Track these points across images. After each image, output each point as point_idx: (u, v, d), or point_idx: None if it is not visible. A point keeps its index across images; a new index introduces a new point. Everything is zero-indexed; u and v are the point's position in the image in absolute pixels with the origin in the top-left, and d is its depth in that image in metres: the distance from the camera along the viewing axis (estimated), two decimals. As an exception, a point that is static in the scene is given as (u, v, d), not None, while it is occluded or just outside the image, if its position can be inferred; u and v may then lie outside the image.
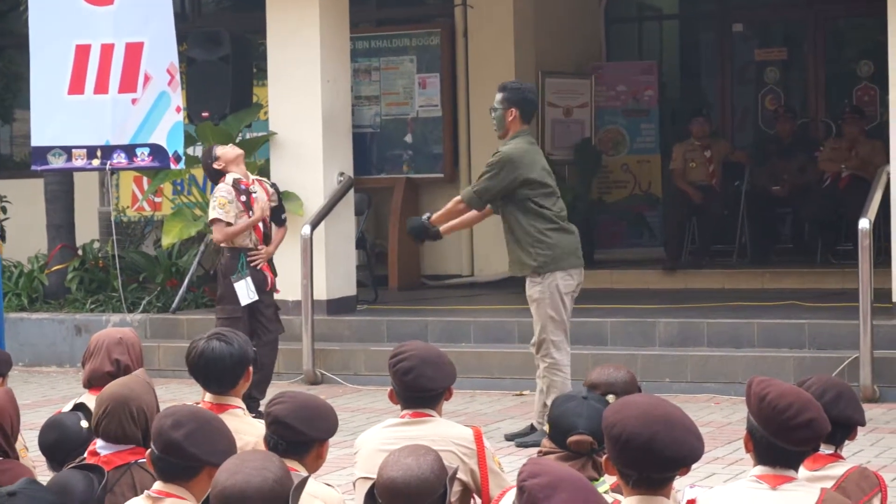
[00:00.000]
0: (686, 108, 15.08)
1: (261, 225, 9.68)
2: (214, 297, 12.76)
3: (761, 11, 15.58)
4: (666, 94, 15.52)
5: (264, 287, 9.65)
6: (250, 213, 9.56)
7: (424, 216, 9.00)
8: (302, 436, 4.56)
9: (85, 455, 4.90)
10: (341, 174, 12.14)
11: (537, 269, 8.58)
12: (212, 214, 9.60)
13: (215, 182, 9.80)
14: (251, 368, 5.48)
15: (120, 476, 4.76)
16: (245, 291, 9.52)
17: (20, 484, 3.47)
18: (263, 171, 12.21)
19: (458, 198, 8.92)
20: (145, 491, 4.29)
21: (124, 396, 4.87)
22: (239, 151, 9.85)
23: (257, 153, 12.26)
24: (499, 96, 8.78)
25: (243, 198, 9.58)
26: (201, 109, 12.38)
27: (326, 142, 12.02)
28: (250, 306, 9.56)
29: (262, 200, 9.66)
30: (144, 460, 4.85)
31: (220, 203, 9.53)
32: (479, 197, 8.72)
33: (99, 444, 4.87)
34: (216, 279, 10.05)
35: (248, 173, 9.85)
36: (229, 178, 9.61)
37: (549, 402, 8.37)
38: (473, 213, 8.93)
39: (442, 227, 8.93)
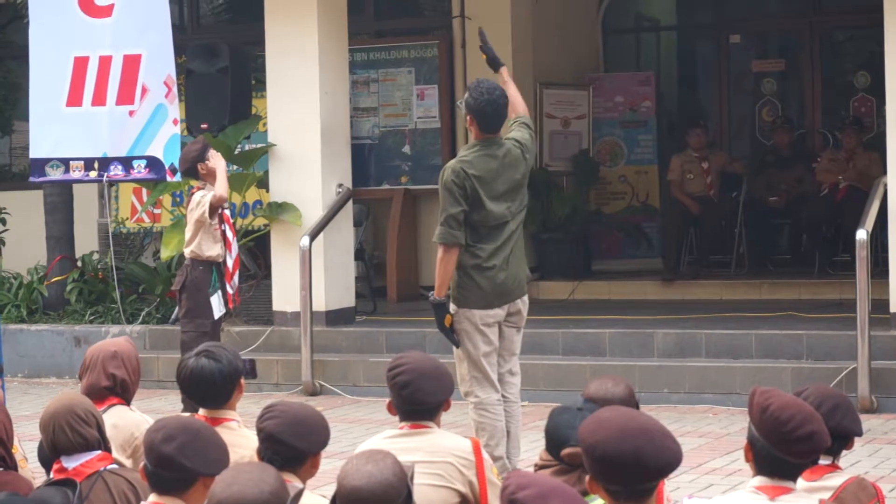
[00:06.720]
0: (683, 119, 15.09)
1: (228, 234, 9.64)
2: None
3: (759, 22, 15.59)
4: (663, 104, 15.54)
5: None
6: (223, 226, 9.57)
7: (430, 299, 7.42)
8: (296, 451, 4.56)
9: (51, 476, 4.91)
10: (340, 185, 12.15)
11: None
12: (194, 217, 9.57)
13: (191, 176, 9.78)
14: (243, 381, 5.50)
15: (92, 484, 4.78)
16: (218, 305, 9.60)
17: (1, 496, 3.47)
18: (262, 182, 12.25)
19: (436, 243, 7.39)
20: (142, 503, 4.30)
21: (61, 408, 4.90)
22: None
23: (256, 164, 12.27)
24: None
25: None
26: (200, 121, 12.38)
27: (325, 153, 12.03)
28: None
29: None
30: (114, 465, 4.89)
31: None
32: (449, 229, 7.30)
33: (63, 460, 4.88)
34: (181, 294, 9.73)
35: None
36: (209, 187, 9.62)
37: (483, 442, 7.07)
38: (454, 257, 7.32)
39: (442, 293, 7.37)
